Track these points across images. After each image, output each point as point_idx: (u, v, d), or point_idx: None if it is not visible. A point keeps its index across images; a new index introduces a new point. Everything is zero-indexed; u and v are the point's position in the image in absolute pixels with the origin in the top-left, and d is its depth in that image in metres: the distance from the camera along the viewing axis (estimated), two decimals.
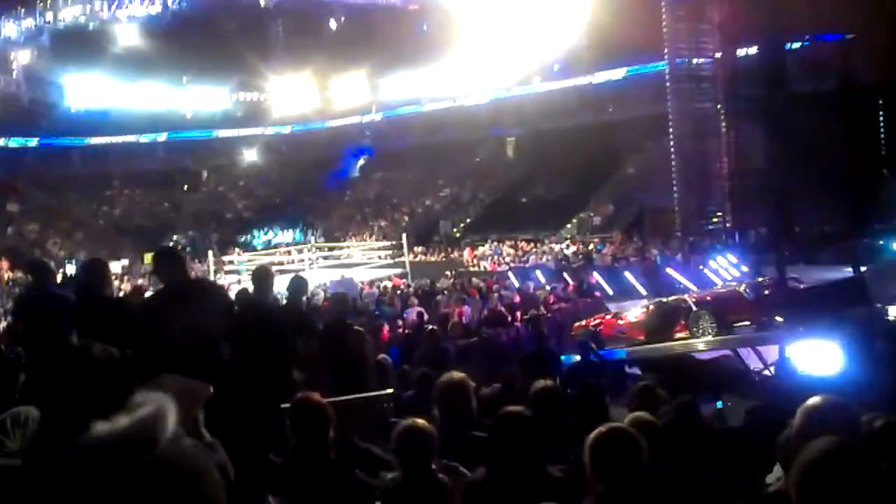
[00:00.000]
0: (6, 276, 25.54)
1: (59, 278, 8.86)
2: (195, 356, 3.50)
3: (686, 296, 11.80)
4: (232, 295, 7.89)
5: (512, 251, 25.89)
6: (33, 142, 35.69)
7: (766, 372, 8.91)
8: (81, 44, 31.40)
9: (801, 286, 10.40)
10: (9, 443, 2.47)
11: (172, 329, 3.86)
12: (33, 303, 5.31)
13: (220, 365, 4.06)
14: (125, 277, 25.46)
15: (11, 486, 1.74)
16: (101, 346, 1.68)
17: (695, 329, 10.36)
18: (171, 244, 25.80)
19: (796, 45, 22.23)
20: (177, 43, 31.54)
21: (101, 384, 1.62)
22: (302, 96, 38.68)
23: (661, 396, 4.51)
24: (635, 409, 3.75)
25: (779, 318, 9.37)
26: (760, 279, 11.40)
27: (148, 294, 8.91)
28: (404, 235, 25.89)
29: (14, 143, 35.04)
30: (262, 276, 5.55)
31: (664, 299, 12.15)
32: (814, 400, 2.14)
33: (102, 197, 38.07)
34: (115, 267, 24.93)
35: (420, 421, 2.93)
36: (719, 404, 5.79)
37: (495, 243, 27.17)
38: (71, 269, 24.94)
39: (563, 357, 9.35)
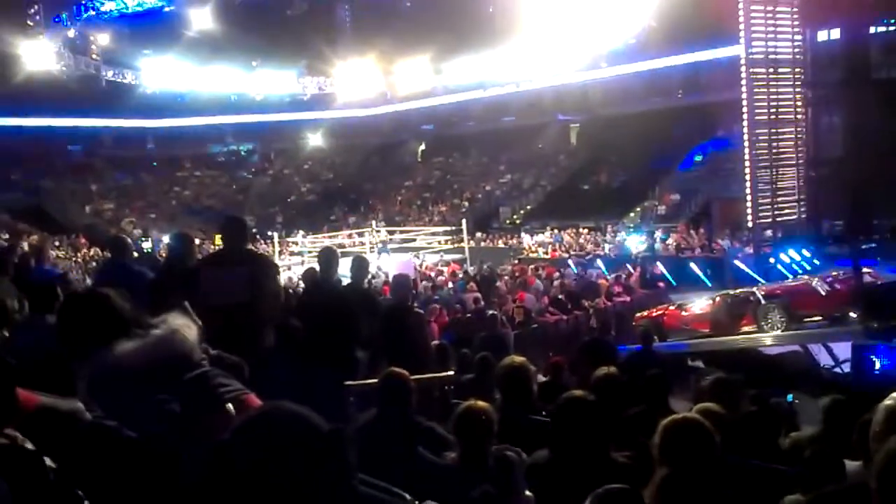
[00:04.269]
0: (84, 253, 26.75)
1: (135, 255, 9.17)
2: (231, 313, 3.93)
3: (755, 288, 11.41)
4: (295, 275, 8.05)
5: (572, 239, 25.58)
6: (110, 123, 37.13)
7: (838, 369, 8.59)
8: (157, 27, 32.38)
9: (878, 281, 9.92)
10: None
11: (206, 287, 4.26)
12: (110, 276, 5.49)
13: (256, 322, 4.33)
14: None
15: None
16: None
17: (763, 323, 10.00)
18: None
19: (881, 28, 21.13)
20: (247, 26, 32.18)
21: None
22: (366, 80, 38.98)
23: (741, 391, 4.14)
24: (700, 401, 3.65)
25: (853, 314, 8.97)
26: (834, 273, 10.91)
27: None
28: (464, 221, 25.88)
29: (92, 123, 36.52)
30: (328, 257, 5.66)
31: (731, 291, 11.79)
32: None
33: (174, 178, 39.41)
34: None
35: (480, 402, 2.93)
36: (790, 398, 5.59)
37: (555, 231, 26.88)
38: (147, 246, 25.89)
39: (622, 347, 9.22)
